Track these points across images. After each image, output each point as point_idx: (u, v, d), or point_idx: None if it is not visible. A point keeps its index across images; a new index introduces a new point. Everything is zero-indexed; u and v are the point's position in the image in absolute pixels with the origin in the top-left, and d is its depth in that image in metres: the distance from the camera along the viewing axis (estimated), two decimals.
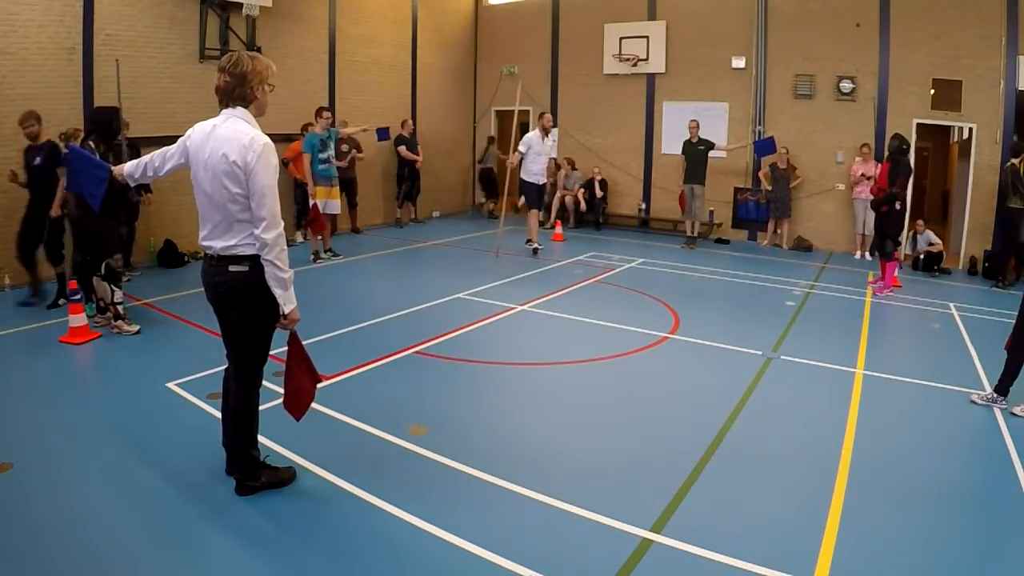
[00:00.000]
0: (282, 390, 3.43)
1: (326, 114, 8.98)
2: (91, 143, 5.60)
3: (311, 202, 8.64)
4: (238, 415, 3.27)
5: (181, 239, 8.67)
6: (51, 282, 6.64)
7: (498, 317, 6.66)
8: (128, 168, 3.41)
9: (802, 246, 11.13)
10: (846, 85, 10.65)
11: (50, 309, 6.39)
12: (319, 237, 9.05)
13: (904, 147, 7.90)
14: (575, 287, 8.04)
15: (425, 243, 10.86)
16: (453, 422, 4.28)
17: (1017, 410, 4.55)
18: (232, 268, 3.05)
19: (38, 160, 6.22)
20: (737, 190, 11.82)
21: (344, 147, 10.22)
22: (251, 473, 3.32)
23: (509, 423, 4.40)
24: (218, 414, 3.52)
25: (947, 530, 3.24)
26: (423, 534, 3.04)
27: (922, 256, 9.72)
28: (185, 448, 3.77)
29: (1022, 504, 3.45)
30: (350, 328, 6.10)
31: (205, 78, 8.39)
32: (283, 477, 3.42)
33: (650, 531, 3.10)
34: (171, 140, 3.36)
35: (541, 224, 10.72)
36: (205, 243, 3.11)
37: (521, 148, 9.63)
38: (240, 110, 3.06)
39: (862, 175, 10.23)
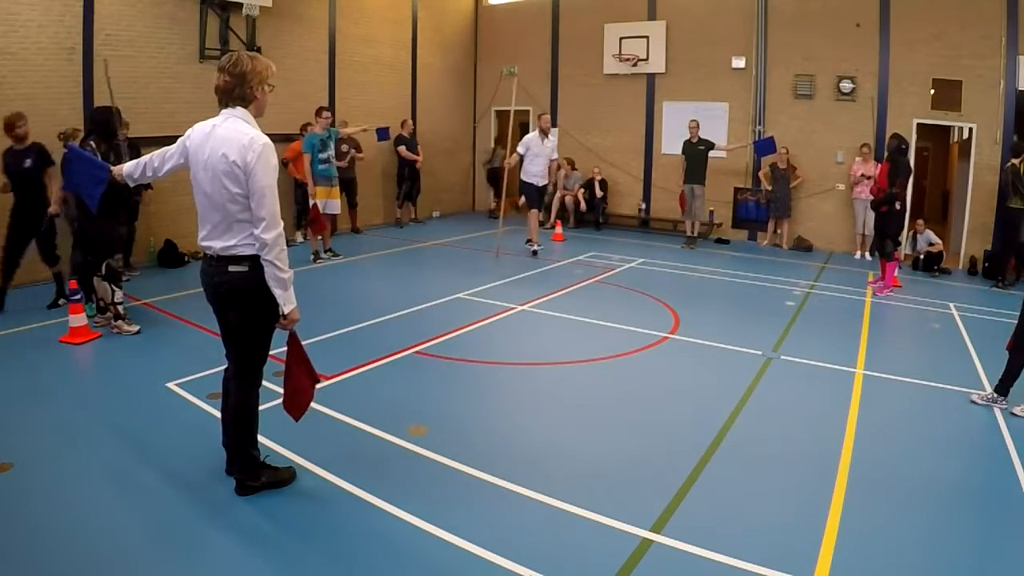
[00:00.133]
0: (282, 390, 3.43)
1: (325, 114, 8.98)
2: (91, 143, 5.60)
3: (311, 202, 8.64)
4: (238, 415, 3.27)
5: (181, 239, 8.67)
6: (40, 284, 6.55)
7: (498, 317, 6.66)
8: (127, 168, 3.41)
9: (802, 246, 11.13)
10: (846, 85, 10.64)
11: (50, 309, 6.39)
12: (319, 237, 9.04)
13: (903, 147, 7.90)
14: (575, 287, 8.04)
15: (425, 243, 10.86)
16: (453, 422, 4.28)
17: (1017, 410, 4.55)
18: (232, 268, 3.05)
19: (28, 162, 6.13)
20: (737, 190, 11.82)
21: (344, 147, 10.22)
22: (251, 473, 3.32)
23: (509, 423, 4.40)
24: (218, 414, 3.51)
25: (947, 530, 3.24)
26: (423, 534, 3.04)
27: (922, 256, 9.71)
28: (185, 448, 3.77)
29: (1022, 504, 3.45)
30: (350, 328, 6.10)
31: (205, 78, 8.38)
32: (283, 477, 3.42)
33: (650, 531, 3.10)
34: (171, 140, 3.36)
35: (541, 224, 10.71)
36: (204, 243, 3.10)
37: (519, 149, 9.64)
38: (240, 110, 3.06)
39: (862, 175, 10.23)
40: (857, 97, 10.61)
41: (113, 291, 5.75)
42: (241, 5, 9.17)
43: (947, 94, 9.88)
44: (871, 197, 8.58)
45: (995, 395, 4.72)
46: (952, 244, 10.47)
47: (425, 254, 10.15)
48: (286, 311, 3.06)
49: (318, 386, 3.48)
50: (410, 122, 12.27)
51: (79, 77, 7.82)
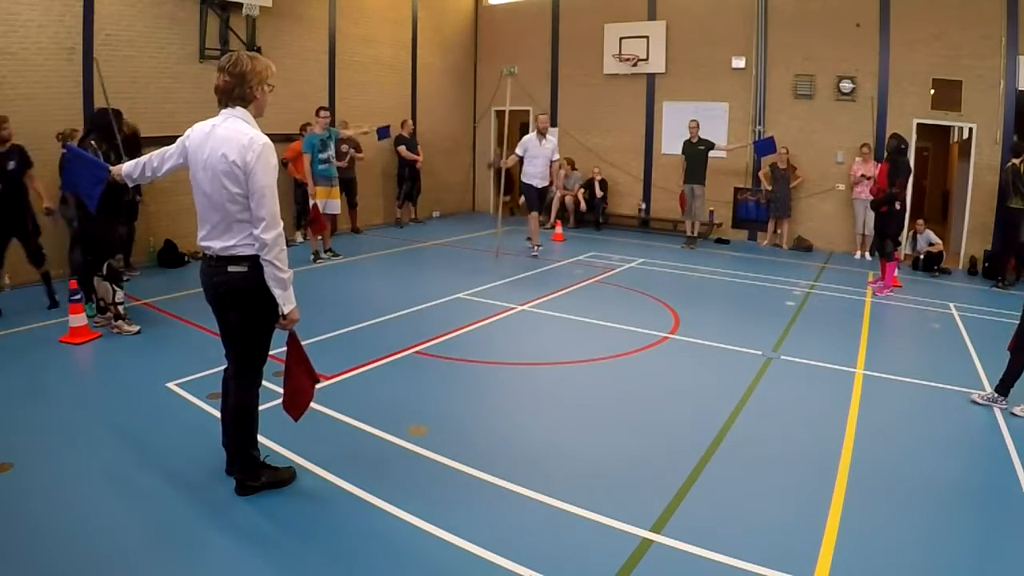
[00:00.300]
0: (282, 390, 3.43)
1: (324, 113, 8.97)
2: (92, 142, 5.59)
3: (311, 202, 8.64)
4: (238, 415, 3.27)
5: (181, 239, 8.66)
6: (40, 285, 6.55)
7: (498, 317, 6.66)
8: (127, 168, 3.41)
9: (802, 246, 11.13)
10: (846, 85, 10.64)
11: (50, 310, 6.38)
12: (319, 237, 9.04)
13: (903, 147, 7.90)
14: (575, 287, 8.04)
15: (425, 243, 10.86)
16: (453, 422, 4.28)
17: (1017, 410, 4.55)
18: (231, 268, 3.05)
19: (12, 164, 6.12)
20: (737, 190, 11.82)
21: (344, 147, 10.21)
22: (251, 473, 3.32)
23: (509, 423, 4.40)
24: (218, 414, 3.51)
25: (947, 530, 3.24)
26: (423, 534, 3.04)
27: (922, 256, 9.71)
28: (185, 448, 3.77)
29: (1022, 504, 3.45)
30: (350, 328, 6.10)
31: (205, 78, 8.38)
32: (283, 477, 3.42)
33: (650, 531, 3.10)
34: (171, 140, 3.36)
35: (541, 224, 10.68)
36: (204, 243, 3.10)
37: (518, 151, 9.59)
38: (239, 110, 3.06)
39: (862, 175, 10.23)
40: (857, 97, 10.61)
41: (114, 291, 5.75)
42: (241, 5, 9.17)
43: (947, 94, 9.88)
44: (871, 197, 8.58)
45: (995, 395, 4.72)
46: (952, 244, 10.47)
47: (425, 254, 10.15)
48: (286, 311, 3.06)
49: (318, 386, 3.48)
50: (410, 122, 12.27)
51: (79, 77, 7.82)
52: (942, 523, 3.31)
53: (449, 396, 4.79)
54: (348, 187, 10.49)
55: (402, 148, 11.93)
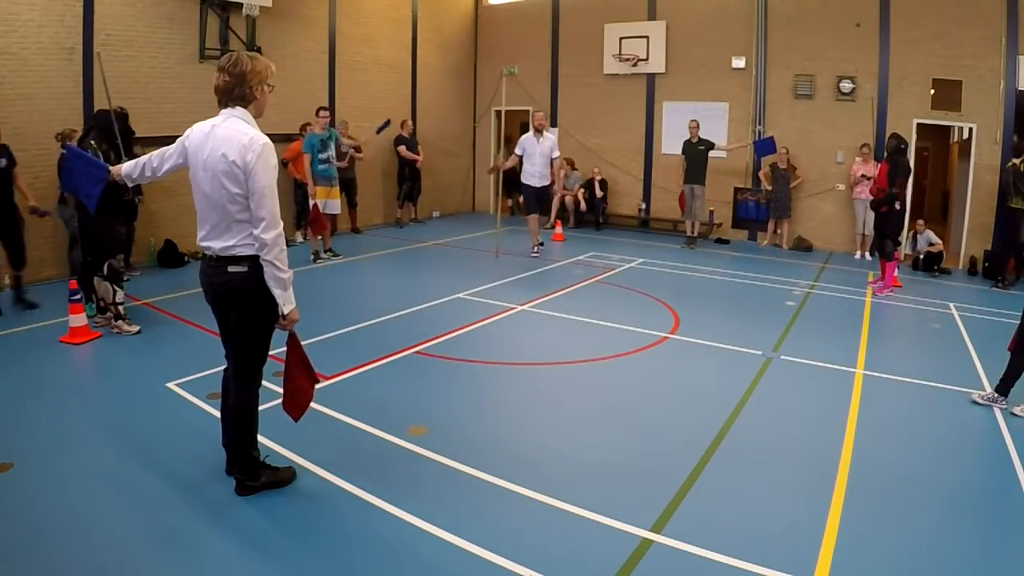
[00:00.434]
0: (281, 390, 3.43)
1: (323, 113, 8.96)
2: (92, 142, 5.59)
3: (311, 202, 8.64)
4: (238, 415, 3.27)
5: (181, 239, 8.66)
6: (41, 284, 6.51)
7: (498, 317, 6.66)
8: (126, 168, 3.40)
9: (802, 246, 11.13)
10: (846, 85, 10.64)
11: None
12: (319, 237, 9.04)
13: (902, 147, 7.90)
14: (575, 287, 8.04)
15: (425, 243, 10.86)
16: (453, 422, 4.28)
17: (1017, 410, 4.55)
18: (231, 269, 3.05)
19: (3, 162, 6.13)
20: (737, 190, 11.82)
21: (344, 147, 10.20)
22: (251, 473, 3.32)
23: (509, 423, 4.40)
24: (218, 414, 3.51)
25: (947, 530, 3.24)
26: (423, 534, 3.04)
27: (922, 256, 9.71)
28: (185, 448, 3.77)
29: (1022, 504, 3.45)
30: (350, 328, 6.10)
31: (205, 78, 8.37)
32: (283, 477, 3.42)
33: (650, 531, 3.10)
34: (171, 140, 3.36)
35: (542, 224, 10.64)
36: (204, 244, 3.10)
37: (517, 151, 9.52)
38: (239, 110, 3.06)
39: (862, 175, 10.23)
40: (857, 97, 10.61)
41: (114, 291, 5.75)
42: (241, 5, 9.17)
43: (947, 94, 9.88)
44: (871, 197, 8.58)
45: (996, 395, 4.72)
46: (952, 244, 10.47)
47: (425, 254, 10.14)
48: (285, 311, 3.06)
49: (318, 386, 3.48)
50: (410, 122, 12.26)
51: (79, 77, 7.82)
52: (942, 523, 3.31)
53: (449, 396, 4.79)
54: (348, 187, 10.49)
55: (402, 148, 11.93)
